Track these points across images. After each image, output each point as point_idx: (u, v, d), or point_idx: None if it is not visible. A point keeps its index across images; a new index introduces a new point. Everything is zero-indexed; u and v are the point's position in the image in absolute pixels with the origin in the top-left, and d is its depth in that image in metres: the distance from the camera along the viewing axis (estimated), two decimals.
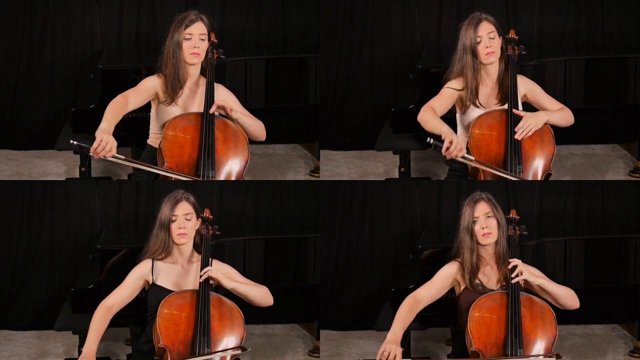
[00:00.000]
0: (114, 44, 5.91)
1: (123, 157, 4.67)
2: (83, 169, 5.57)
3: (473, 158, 4.76)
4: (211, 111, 4.85)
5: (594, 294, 5.55)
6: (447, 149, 4.69)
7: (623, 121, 5.88)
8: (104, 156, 4.59)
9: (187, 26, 4.83)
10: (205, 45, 4.87)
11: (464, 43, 4.90)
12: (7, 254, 5.77)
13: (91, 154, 4.57)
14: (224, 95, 4.97)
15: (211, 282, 4.66)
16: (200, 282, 4.63)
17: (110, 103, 4.75)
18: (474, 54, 4.88)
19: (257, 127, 5.00)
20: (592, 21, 5.99)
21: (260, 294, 4.75)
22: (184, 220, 4.66)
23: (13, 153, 5.96)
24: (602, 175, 5.86)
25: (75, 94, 5.91)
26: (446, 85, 4.95)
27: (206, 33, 4.87)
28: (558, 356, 4.58)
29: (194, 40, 4.84)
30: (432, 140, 4.70)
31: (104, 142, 4.57)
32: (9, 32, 5.92)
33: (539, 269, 4.76)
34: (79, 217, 5.75)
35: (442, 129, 4.76)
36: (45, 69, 5.95)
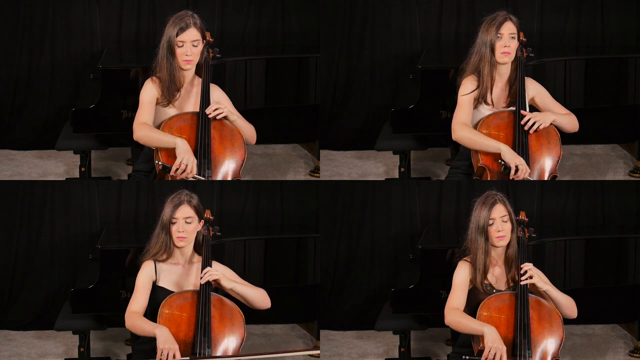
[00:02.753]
0: (114, 44, 5.91)
1: (203, 178, 4.71)
2: (83, 169, 5.58)
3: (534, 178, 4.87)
4: (210, 116, 4.85)
5: (594, 294, 5.55)
6: (516, 172, 4.77)
7: (623, 121, 5.89)
8: (186, 177, 4.64)
9: (179, 32, 4.81)
10: (198, 50, 4.84)
11: (484, 38, 4.89)
12: (7, 254, 5.77)
13: (172, 174, 4.63)
14: (218, 97, 4.96)
15: (212, 281, 4.66)
16: (201, 284, 4.63)
17: (147, 129, 4.78)
18: (492, 51, 4.88)
19: (248, 131, 4.98)
20: (592, 21, 5.99)
21: (258, 296, 4.74)
22: (183, 223, 4.64)
23: (13, 153, 5.96)
24: (602, 175, 5.86)
25: (75, 94, 5.91)
26: (460, 94, 4.94)
27: (199, 39, 4.83)
28: None
29: (186, 48, 4.81)
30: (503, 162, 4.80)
31: (184, 163, 4.63)
32: (9, 32, 5.92)
33: (539, 269, 4.76)
34: (79, 217, 5.75)
35: (500, 147, 4.81)
36: (45, 69, 5.95)
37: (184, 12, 4.85)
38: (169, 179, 4.78)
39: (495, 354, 4.48)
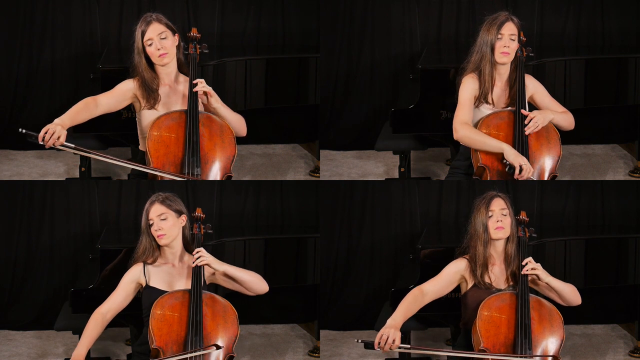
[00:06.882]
0: (114, 44, 5.91)
1: (73, 145, 4.66)
2: (83, 169, 5.59)
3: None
4: (195, 90, 4.82)
5: (594, 294, 5.54)
6: (520, 171, 4.78)
7: (623, 121, 5.89)
8: (54, 145, 4.60)
9: (144, 32, 4.82)
10: (169, 42, 4.83)
11: (485, 37, 4.89)
12: (7, 254, 5.78)
13: (40, 142, 4.60)
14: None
15: (204, 265, 4.66)
16: (193, 268, 4.63)
17: (79, 102, 4.76)
18: (492, 50, 4.89)
19: (237, 121, 4.96)
20: (592, 21, 5.99)
21: (253, 279, 4.74)
22: (159, 221, 4.66)
23: (13, 153, 5.97)
24: (602, 175, 5.86)
25: (75, 95, 5.90)
26: (461, 92, 4.93)
27: (165, 30, 4.83)
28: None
29: (156, 43, 4.81)
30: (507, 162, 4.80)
31: (51, 131, 4.59)
32: (9, 32, 5.93)
33: None
34: (79, 217, 5.76)
35: (503, 147, 4.81)
36: (45, 69, 5.96)
37: (145, 15, 4.85)
38: (159, 179, 4.79)
39: (387, 338, 4.46)
